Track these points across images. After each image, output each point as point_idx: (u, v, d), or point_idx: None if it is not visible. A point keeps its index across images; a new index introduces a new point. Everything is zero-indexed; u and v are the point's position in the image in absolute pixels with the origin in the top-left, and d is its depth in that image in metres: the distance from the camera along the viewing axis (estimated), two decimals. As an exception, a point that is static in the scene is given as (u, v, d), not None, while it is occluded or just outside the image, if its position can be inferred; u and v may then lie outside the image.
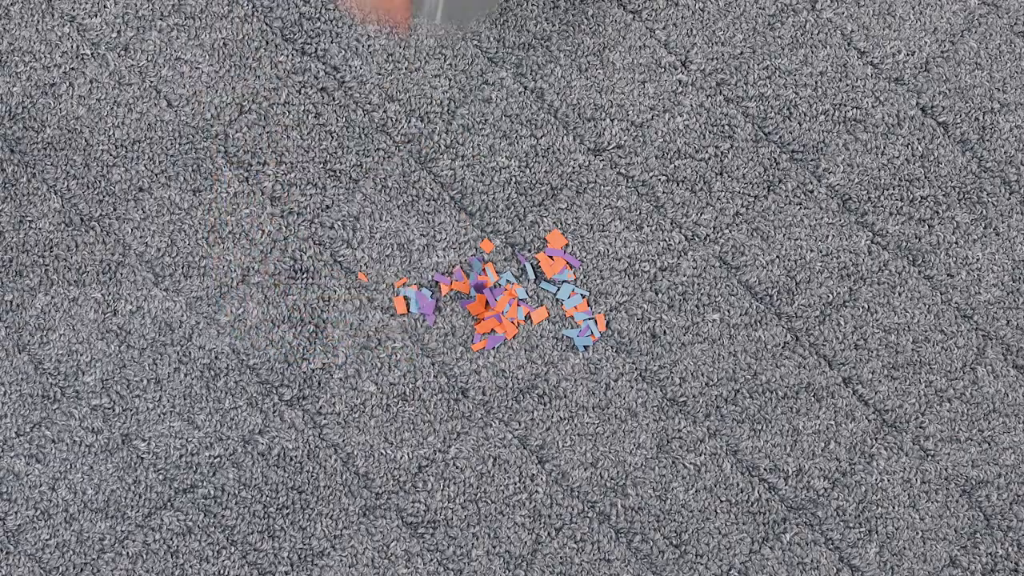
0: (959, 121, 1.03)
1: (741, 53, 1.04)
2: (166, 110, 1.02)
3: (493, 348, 0.99)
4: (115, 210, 1.00)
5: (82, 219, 1.00)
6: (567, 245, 1.01)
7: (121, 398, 0.99)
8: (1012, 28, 1.04)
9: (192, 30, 1.03)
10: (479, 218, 1.01)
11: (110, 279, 0.99)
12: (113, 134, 1.01)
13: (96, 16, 1.03)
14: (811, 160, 1.02)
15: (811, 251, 1.01)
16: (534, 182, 1.02)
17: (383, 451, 0.98)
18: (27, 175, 1.00)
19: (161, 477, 0.98)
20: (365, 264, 1.00)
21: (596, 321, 1.00)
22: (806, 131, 1.03)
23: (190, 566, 0.97)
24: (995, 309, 1.01)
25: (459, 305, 1.00)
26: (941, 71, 1.04)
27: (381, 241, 1.01)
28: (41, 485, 0.98)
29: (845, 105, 1.03)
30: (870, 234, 1.02)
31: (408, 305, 1.00)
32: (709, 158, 1.02)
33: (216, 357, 0.99)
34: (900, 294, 1.01)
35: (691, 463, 0.99)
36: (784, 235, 1.02)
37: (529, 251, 1.01)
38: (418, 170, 1.02)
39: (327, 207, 1.01)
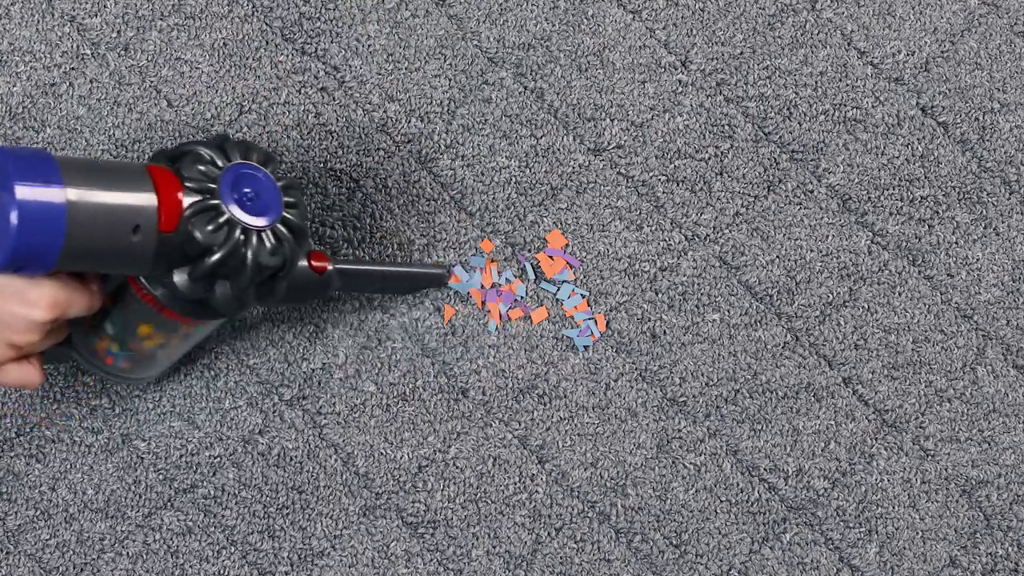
0: (959, 121, 1.03)
1: (741, 53, 1.04)
2: (166, 110, 1.02)
3: (506, 310, 0.99)
4: (115, 210, 1.00)
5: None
6: (567, 245, 1.01)
7: (121, 398, 0.99)
8: (1012, 28, 1.04)
9: (192, 30, 1.03)
10: (479, 218, 1.01)
11: (110, 279, 0.99)
12: (113, 134, 1.01)
13: (96, 16, 1.03)
14: (811, 160, 1.02)
15: (811, 251, 1.01)
16: (534, 182, 1.02)
17: (383, 451, 0.98)
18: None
19: (161, 477, 0.98)
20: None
21: (596, 321, 1.00)
22: (806, 131, 1.03)
23: (190, 566, 0.97)
24: (995, 309, 1.01)
25: (459, 305, 1.00)
26: (941, 71, 1.04)
27: (381, 241, 1.01)
28: (41, 485, 0.98)
29: (845, 105, 1.03)
30: (870, 234, 1.02)
31: (408, 305, 1.00)
32: (709, 158, 1.02)
33: (216, 357, 0.99)
34: (900, 294, 1.01)
35: (691, 463, 0.99)
36: (784, 235, 1.02)
37: (529, 251, 1.01)
38: (418, 170, 1.02)
39: (327, 207, 1.01)
